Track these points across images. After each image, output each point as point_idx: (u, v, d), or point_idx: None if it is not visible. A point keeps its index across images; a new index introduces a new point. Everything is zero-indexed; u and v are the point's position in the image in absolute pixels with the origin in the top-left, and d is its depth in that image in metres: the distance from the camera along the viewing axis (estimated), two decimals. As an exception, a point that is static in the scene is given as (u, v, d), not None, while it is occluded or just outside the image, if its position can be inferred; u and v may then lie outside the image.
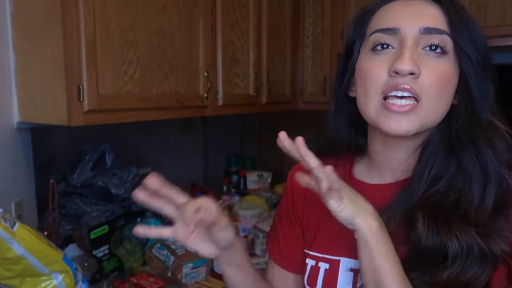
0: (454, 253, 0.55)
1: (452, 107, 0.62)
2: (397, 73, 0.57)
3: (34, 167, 1.32)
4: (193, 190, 2.02)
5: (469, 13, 0.62)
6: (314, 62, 2.10)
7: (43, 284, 0.90)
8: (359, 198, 0.57)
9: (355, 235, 0.57)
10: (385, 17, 0.62)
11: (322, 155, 0.63)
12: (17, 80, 1.19)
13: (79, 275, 0.96)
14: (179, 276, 1.27)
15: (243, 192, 2.18)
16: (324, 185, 0.52)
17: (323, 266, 0.69)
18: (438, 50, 0.58)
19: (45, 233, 1.25)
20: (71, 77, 1.06)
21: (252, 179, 2.20)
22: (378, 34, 0.61)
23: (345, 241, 0.62)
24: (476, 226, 0.55)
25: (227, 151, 2.43)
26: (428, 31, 0.58)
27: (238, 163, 2.35)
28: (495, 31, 1.65)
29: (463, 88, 0.61)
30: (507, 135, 0.60)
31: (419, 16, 0.59)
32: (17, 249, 0.83)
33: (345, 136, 0.71)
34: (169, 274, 1.28)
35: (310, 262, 0.71)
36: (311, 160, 0.52)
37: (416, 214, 0.58)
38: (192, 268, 1.28)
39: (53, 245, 0.92)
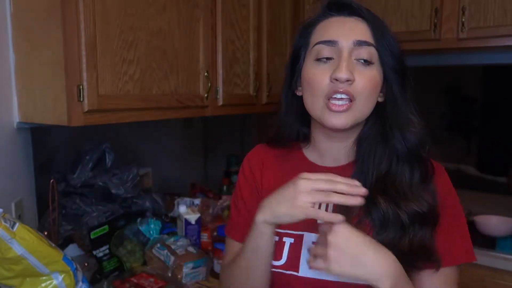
0: (405, 221, 0.70)
1: (377, 103, 0.77)
2: (337, 80, 0.71)
3: (34, 167, 1.32)
4: (193, 190, 2.02)
5: (386, 26, 0.77)
6: (314, 62, 2.10)
7: (43, 284, 0.90)
8: (369, 260, 0.63)
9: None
10: (326, 31, 0.76)
11: (274, 145, 0.89)
12: (17, 80, 1.19)
13: (79, 275, 0.96)
14: (179, 276, 1.27)
15: (243, 192, 2.17)
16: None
17: (288, 240, 0.79)
18: (366, 61, 0.73)
19: (45, 233, 1.25)
20: (71, 77, 1.06)
21: (252, 179, 2.19)
22: (320, 45, 0.75)
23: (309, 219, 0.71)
24: (411, 199, 0.72)
25: (227, 151, 2.44)
26: (360, 43, 0.73)
27: (238, 163, 2.35)
28: (495, 31, 1.65)
29: (387, 89, 0.77)
30: (419, 124, 0.76)
31: (352, 31, 0.74)
32: (17, 249, 0.83)
33: (294, 128, 0.86)
34: (169, 274, 1.28)
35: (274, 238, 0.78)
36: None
37: (377, 196, 0.72)
38: (192, 268, 1.28)
39: (53, 245, 0.92)
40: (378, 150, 0.77)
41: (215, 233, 1.41)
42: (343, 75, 0.70)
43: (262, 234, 0.71)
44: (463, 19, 1.70)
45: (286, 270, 0.77)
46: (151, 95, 1.29)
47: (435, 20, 1.76)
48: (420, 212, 0.71)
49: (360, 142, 0.79)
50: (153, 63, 1.28)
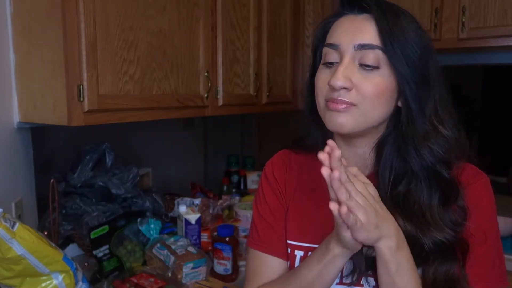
0: (428, 247, 0.65)
1: (399, 108, 0.71)
2: (333, 86, 0.67)
3: (34, 167, 1.32)
4: (193, 190, 2.02)
5: (405, 23, 0.68)
6: (314, 62, 2.10)
7: (43, 284, 0.90)
8: (384, 219, 0.61)
9: (374, 252, 0.63)
10: (334, 32, 0.71)
11: (298, 150, 0.84)
12: (17, 80, 1.19)
13: (79, 275, 0.96)
14: (179, 276, 1.27)
15: (243, 192, 2.18)
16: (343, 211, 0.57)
17: (298, 253, 0.77)
18: (370, 67, 0.67)
19: (45, 233, 1.25)
20: (71, 77, 1.06)
21: (252, 179, 2.20)
22: (326, 48, 0.72)
23: (322, 232, 0.70)
24: (432, 224, 0.66)
25: (227, 151, 2.43)
26: (362, 47, 0.67)
27: (238, 163, 2.35)
28: (495, 31, 1.65)
29: (402, 97, 0.70)
30: (448, 138, 0.69)
31: (357, 33, 0.68)
32: (17, 249, 0.83)
33: (317, 134, 0.79)
34: (169, 274, 1.28)
35: (298, 253, 0.78)
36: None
37: (395, 214, 0.65)
38: (192, 268, 1.28)
39: (53, 245, 0.92)
40: (394, 164, 0.71)
41: (215, 233, 1.41)
42: (337, 83, 0.67)
43: (336, 262, 0.66)
44: (463, 19, 1.70)
45: None
46: (151, 95, 1.29)
47: (435, 20, 1.76)
48: (444, 241, 0.66)
49: (378, 151, 0.74)
50: (153, 63, 1.28)
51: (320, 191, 0.74)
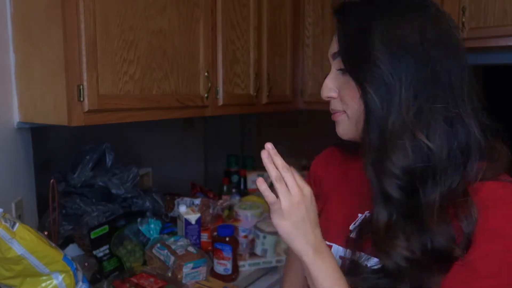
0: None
1: None
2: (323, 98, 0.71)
3: (34, 167, 1.32)
4: (193, 190, 2.02)
5: (372, 15, 0.63)
6: (314, 62, 2.10)
7: (43, 284, 0.90)
8: (307, 223, 0.61)
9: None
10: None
11: (343, 149, 0.81)
12: (17, 80, 1.19)
13: (79, 275, 0.96)
14: (179, 276, 1.27)
15: (243, 192, 2.18)
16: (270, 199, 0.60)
17: None
18: (341, 70, 0.68)
19: (45, 233, 1.25)
20: (72, 77, 1.06)
21: (252, 179, 2.20)
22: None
23: (342, 231, 0.70)
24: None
25: (227, 151, 2.43)
26: (334, 56, 0.69)
27: (238, 163, 2.35)
28: (495, 31, 1.65)
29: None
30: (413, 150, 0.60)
31: (333, 42, 0.69)
32: (17, 249, 0.83)
33: None
34: (169, 274, 1.28)
35: None
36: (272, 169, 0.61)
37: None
38: (192, 268, 1.28)
39: (53, 245, 0.92)
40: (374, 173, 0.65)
41: (215, 233, 1.41)
42: (323, 94, 0.71)
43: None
44: (463, 19, 1.70)
45: None
46: (151, 95, 1.29)
47: (435, 20, 1.76)
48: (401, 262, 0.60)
49: None
50: (153, 63, 1.28)
51: (346, 189, 0.77)
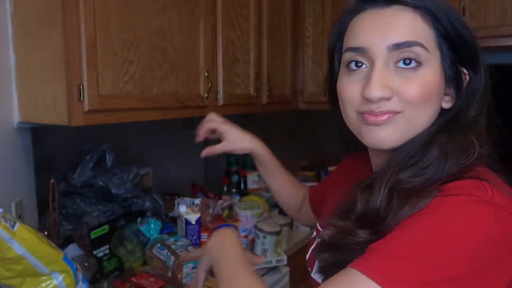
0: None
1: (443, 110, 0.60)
2: (369, 99, 0.56)
3: (35, 167, 1.32)
4: (193, 190, 2.02)
5: (444, 7, 0.58)
6: (314, 62, 2.10)
7: (43, 284, 0.90)
8: (222, 239, 0.75)
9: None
10: (356, 33, 0.60)
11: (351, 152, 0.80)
12: (17, 80, 1.19)
13: (80, 275, 0.96)
14: (179, 276, 1.26)
15: (243, 192, 2.17)
16: None
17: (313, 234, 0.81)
18: (412, 63, 0.56)
19: (46, 233, 1.25)
20: (72, 77, 1.06)
21: (253, 179, 2.20)
22: (349, 53, 0.60)
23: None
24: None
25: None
26: (397, 47, 0.56)
27: (238, 163, 2.35)
28: (495, 31, 1.65)
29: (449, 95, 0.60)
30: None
31: (387, 31, 0.56)
32: (17, 249, 0.83)
33: (347, 136, 0.69)
34: (169, 274, 1.28)
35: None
36: None
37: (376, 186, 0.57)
38: (192, 268, 1.28)
39: (53, 245, 0.92)
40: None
41: (215, 233, 1.41)
42: (374, 94, 0.55)
43: None
44: (463, 19, 1.70)
45: (308, 267, 0.77)
46: (152, 95, 1.28)
47: (435, 20, 1.76)
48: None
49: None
50: (153, 63, 1.28)
51: (344, 185, 0.71)
